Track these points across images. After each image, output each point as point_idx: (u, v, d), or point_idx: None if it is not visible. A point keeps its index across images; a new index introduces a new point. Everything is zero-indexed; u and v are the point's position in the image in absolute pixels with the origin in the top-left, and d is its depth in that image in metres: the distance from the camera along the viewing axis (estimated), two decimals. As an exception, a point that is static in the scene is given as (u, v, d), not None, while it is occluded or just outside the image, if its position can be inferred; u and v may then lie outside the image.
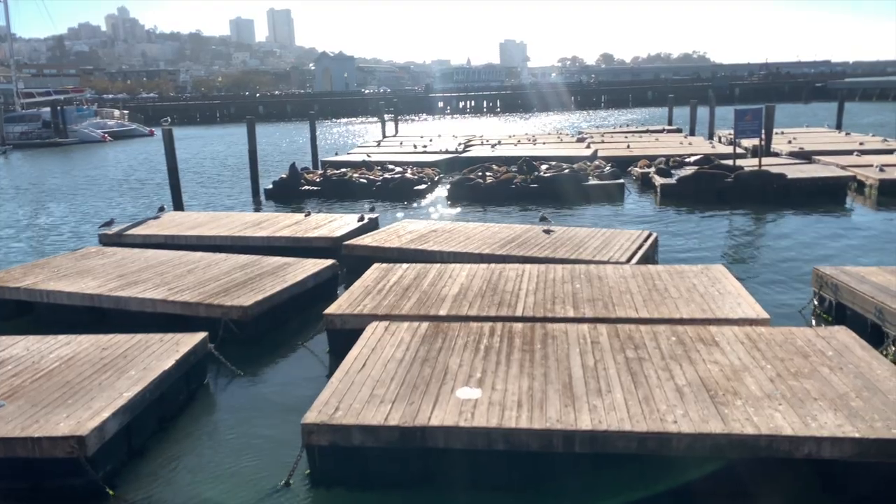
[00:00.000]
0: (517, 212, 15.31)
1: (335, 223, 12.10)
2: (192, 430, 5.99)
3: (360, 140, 43.19)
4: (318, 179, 18.65)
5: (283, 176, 19.10)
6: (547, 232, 10.54)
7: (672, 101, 35.77)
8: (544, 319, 6.54)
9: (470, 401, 4.97)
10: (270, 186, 18.69)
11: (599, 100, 79.11)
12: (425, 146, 27.71)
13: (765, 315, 6.31)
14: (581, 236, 10.18)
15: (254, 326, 7.56)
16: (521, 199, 16.17)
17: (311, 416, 4.90)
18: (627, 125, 39.63)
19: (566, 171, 17.39)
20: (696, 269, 7.91)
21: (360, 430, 4.78)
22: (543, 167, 18.17)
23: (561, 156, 21.80)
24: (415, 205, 16.70)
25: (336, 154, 27.71)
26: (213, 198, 19.81)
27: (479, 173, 17.73)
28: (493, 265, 8.48)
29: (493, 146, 26.54)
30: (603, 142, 26.81)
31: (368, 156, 24.67)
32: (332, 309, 7.08)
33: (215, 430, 5.97)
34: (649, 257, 9.66)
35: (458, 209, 15.87)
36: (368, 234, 11.10)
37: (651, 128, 34.73)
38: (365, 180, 18.24)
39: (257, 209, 17.19)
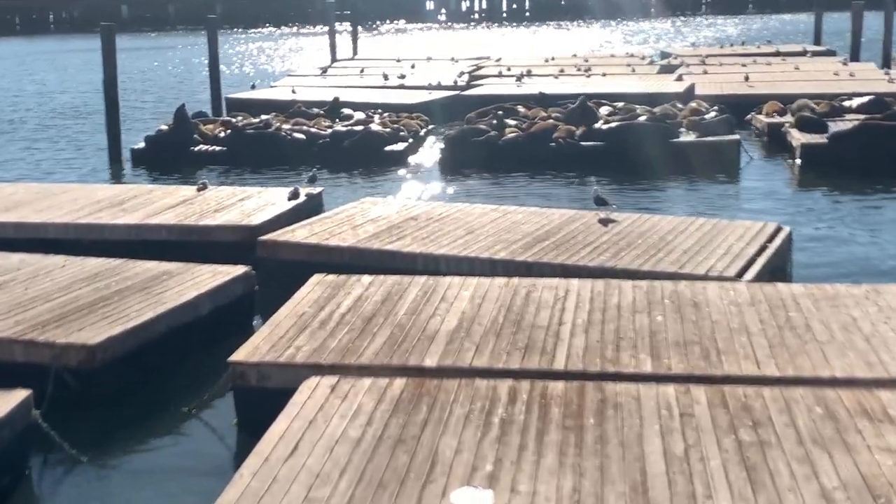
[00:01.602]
0: (557, 187, 15.39)
1: (249, 203, 12.14)
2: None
3: (293, 65, 43.34)
4: (221, 132, 18.75)
5: (164, 127, 19.21)
6: (605, 222, 10.57)
7: (821, 4, 36.00)
8: (601, 376, 6.48)
9: (474, 512, 4.96)
10: (142, 144, 18.79)
11: (699, 0, 79.60)
12: (404, 77, 27.91)
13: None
14: (663, 231, 10.17)
15: (107, 379, 7.52)
16: (563, 165, 16.26)
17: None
18: (744, 43, 39.89)
19: (642, 118, 17.47)
20: (858, 293, 7.90)
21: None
22: (603, 112, 18.26)
23: (634, 93, 21.92)
24: (385, 175, 16.75)
25: (253, 89, 27.84)
26: (42, 162, 19.83)
27: (496, 122, 17.78)
28: (515, 279, 8.46)
29: (518, 78, 26.77)
30: (705, 71, 27.04)
31: (295, 92, 24.64)
32: (242, 353, 7.04)
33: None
34: (778, 269, 9.63)
35: (458, 182, 15.96)
36: (305, 222, 11.13)
37: (785, 48, 35.04)
38: (302, 135, 18.34)
39: (118, 181, 17.20)
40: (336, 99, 21.10)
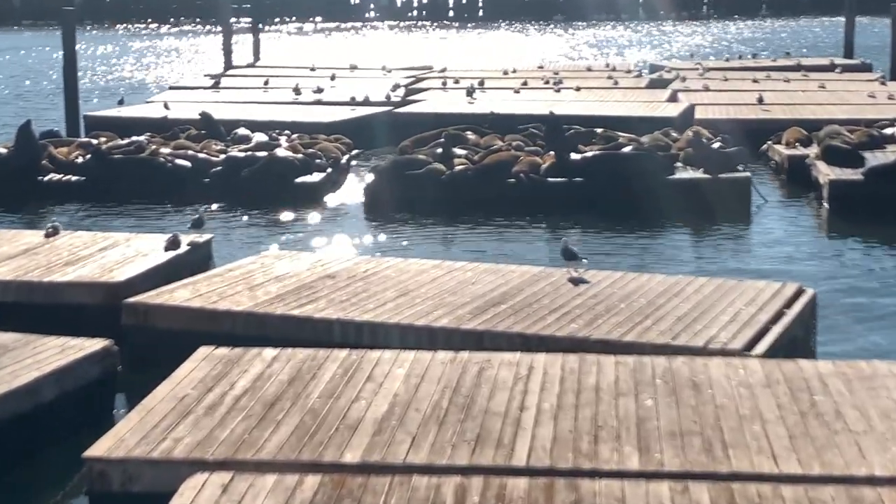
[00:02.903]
0: (516, 236, 15.52)
1: (113, 254, 12.09)
2: None
3: (176, 74, 43.24)
4: (78, 157, 18.68)
5: (2, 150, 18.99)
6: (577, 282, 10.68)
7: (854, 7, 36.90)
8: (575, 473, 6.52)
9: None
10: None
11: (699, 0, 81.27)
12: (321, 90, 28.09)
13: None
14: (652, 293, 10.28)
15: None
16: (526, 208, 16.43)
17: None
18: (755, 55, 40.81)
19: (629, 148, 17.77)
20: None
21: None
22: (575, 139, 18.48)
23: (618, 116, 22.21)
24: (295, 217, 16.72)
25: (121, 104, 27.74)
26: None
27: (438, 150, 17.96)
28: (463, 354, 8.48)
29: (469, 91, 27.06)
30: (707, 88, 27.55)
31: (168, 108, 24.60)
32: (102, 447, 6.95)
33: None
34: (799, 341, 9.77)
35: (390, 229, 16.02)
36: (188, 280, 11.10)
37: (809, 61, 35.93)
38: (186, 161, 18.33)
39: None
40: (205, 114, 21.08)
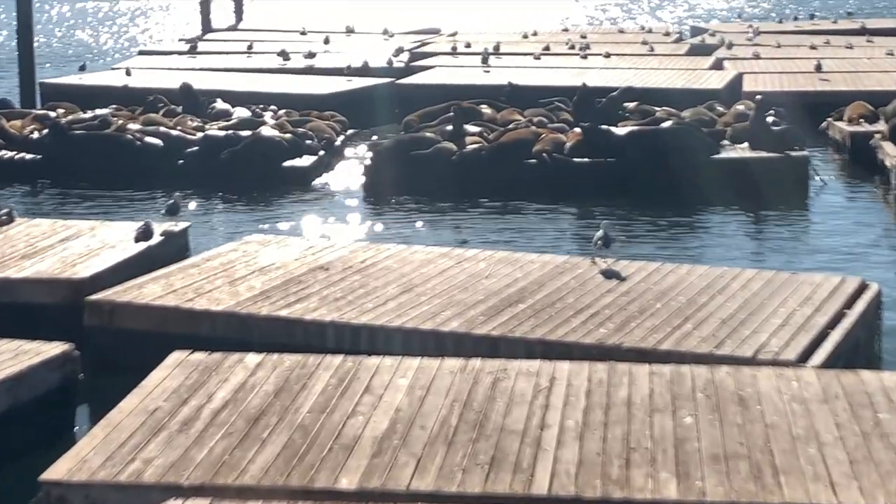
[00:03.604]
0: (537, 223, 15.52)
1: (75, 245, 12.11)
2: None
3: (146, 37, 43.18)
4: (34, 132, 18.72)
5: (-53, 123, 19.06)
6: (610, 275, 10.69)
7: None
8: (604, 503, 6.58)
9: None
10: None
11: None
12: (313, 55, 28.12)
13: None
14: (694, 289, 10.30)
15: None
16: (548, 191, 16.45)
17: None
18: (812, 17, 40.64)
19: (669, 123, 17.74)
20: None
21: None
22: (611, 108, 18.45)
23: (656, 88, 22.15)
24: (282, 203, 16.72)
25: (82, 70, 27.78)
26: None
27: (448, 127, 17.94)
28: (475, 362, 8.47)
29: (484, 58, 27.04)
30: (756, 55, 27.46)
31: (130, 74, 24.57)
32: (60, 469, 6.93)
33: None
34: (862, 348, 9.74)
35: (391, 215, 16.03)
36: (160, 273, 11.12)
37: (875, 23, 35.75)
38: (158, 139, 18.35)
39: None
40: (185, 85, 21.09)
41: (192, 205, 16.04)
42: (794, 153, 17.00)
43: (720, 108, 19.25)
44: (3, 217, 12.93)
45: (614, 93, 19.14)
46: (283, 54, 27.85)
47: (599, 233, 11.26)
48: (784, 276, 10.67)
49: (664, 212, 15.65)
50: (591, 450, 7.06)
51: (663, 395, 7.84)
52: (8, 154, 18.31)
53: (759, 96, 19.02)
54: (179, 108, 20.44)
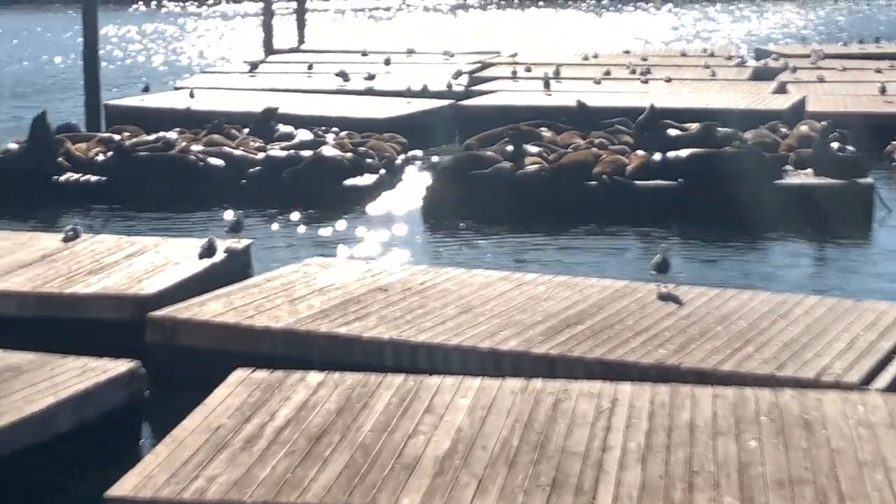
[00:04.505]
0: (597, 246, 15.47)
1: (140, 261, 12.20)
2: None
3: (209, 59, 43.56)
4: (99, 155, 18.87)
5: (13, 145, 19.26)
6: (669, 299, 10.66)
7: None
8: (664, 528, 6.52)
9: None
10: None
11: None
12: (373, 77, 28.22)
13: None
14: (756, 313, 10.24)
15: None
16: (608, 213, 16.42)
17: None
18: (878, 40, 40.32)
19: (733, 146, 17.64)
20: None
21: None
22: (671, 133, 18.42)
23: (715, 108, 22.05)
24: (343, 223, 16.77)
25: (146, 92, 28.00)
26: None
27: (508, 147, 17.97)
28: (535, 382, 8.49)
29: (545, 82, 27.02)
30: (821, 79, 27.27)
31: (193, 96, 24.70)
32: (126, 486, 6.98)
33: None
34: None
35: (451, 236, 16.03)
36: (222, 291, 11.18)
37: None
38: (220, 160, 18.50)
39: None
40: (269, 110, 21.26)
41: (254, 224, 16.10)
42: (859, 180, 16.82)
43: (783, 130, 19.12)
44: (70, 233, 13.04)
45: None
46: (343, 75, 27.96)
47: (657, 257, 11.28)
48: (848, 303, 10.58)
49: (725, 236, 15.56)
50: (653, 473, 7.05)
51: (727, 417, 7.82)
52: (74, 176, 18.41)
53: (823, 122, 18.86)
54: (246, 130, 20.50)
